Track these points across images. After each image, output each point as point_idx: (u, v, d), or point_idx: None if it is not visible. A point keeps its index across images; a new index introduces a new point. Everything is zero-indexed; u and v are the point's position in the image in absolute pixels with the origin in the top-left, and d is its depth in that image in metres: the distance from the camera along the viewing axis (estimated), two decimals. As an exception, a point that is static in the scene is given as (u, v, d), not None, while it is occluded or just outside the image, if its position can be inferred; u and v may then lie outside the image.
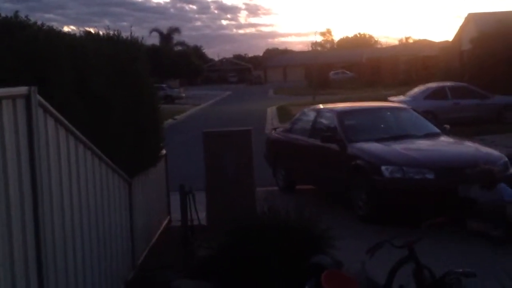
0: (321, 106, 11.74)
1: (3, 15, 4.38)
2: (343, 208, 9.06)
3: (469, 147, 9.27)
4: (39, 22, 4.57)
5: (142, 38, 7.31)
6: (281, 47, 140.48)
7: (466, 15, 33.87)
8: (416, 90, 21.35)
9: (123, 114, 5.69)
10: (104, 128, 5.14)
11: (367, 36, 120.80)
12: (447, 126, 10.09)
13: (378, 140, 9.13)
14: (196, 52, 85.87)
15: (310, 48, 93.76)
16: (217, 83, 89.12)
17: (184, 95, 49.82)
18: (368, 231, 7.73)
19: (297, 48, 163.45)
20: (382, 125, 10.18)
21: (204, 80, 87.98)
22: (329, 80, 59.14)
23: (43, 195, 3.40)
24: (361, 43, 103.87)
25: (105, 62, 5.56)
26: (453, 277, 4.08)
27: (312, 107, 12.21)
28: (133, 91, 6.17)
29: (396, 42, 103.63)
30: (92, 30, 6.36)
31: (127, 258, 6.07)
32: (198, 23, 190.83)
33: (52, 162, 3.69)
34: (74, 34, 5.81)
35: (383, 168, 8.19)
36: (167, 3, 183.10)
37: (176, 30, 76.66)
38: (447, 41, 42.55)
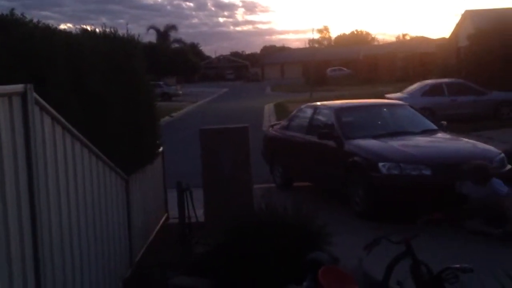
0: (318, 103, 11.75)
1: (-2, 12, 4.37)
2: (340, 204, 9.07)
3: (466, 144, 9.29)
4: (35, 20, 4.57)
5: (139, 35, 7.31)
6: (279, 44, 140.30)
7: (463, 12, 33.97)
8: (413, 86, 21.38)
9: (119, 111, 5.68)
10: (100, 125, 5.13)
11: (364, 33, 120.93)
12: (444, 123, 10.11)
13: (375, 136, 9.14)
14: (193, 50, 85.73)
15: (308, 45, 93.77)
16: (214, 81, 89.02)
17: (181, 92, 49.77)
18: (365, 227, 7.74)
19: (295, 45, 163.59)
20: (379, 122, 10.19)
21: (201, 77, 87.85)
22: (326, 77, 59.12)
23: (39, 193, 3.39)
24: (358, 40, 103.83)
25: (102, 60, 5.56)
26: (450, 272, 4.09)
27: (309, 104, 12.22)
28: (129, 89, 6.16)
29: (393, 39, 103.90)
30: (88, 28, 6.34)
31: (125, 255, 6.07)
32: (195, 21, 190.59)
33: (48, 160, 3.68)
34: (70, 32, 5.80)
35: (380, 164, 8.20)
36: (164, 0, 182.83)
37: (173, 27, 76.59)
38: (444, 38, 42.66)
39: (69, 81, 4.61)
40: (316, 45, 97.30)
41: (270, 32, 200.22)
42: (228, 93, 57.01)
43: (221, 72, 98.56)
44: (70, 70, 4.68)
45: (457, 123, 15.17)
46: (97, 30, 6.30)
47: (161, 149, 8.12)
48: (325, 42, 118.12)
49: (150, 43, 60.59)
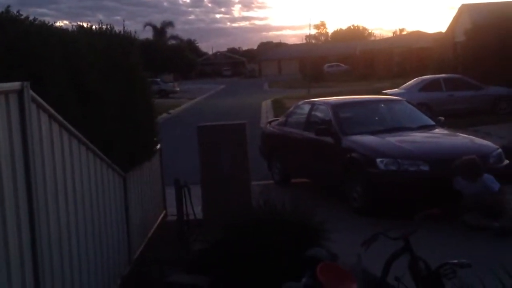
0: (315, 99, 11.74)
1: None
2: (338, 201, 9.07)
3: (464, 139, 9.29)
4: (31, 17, 4.54)
5: (135, 32, 7.29)
6: (275, 40, 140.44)
7: (459, 6, 33.89)
8: (411, 82, 21.38)
9: (116, 108, 5.67)
10: (98, 123, 5.12)
11: (361, 28, 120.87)
12: (442, 118, 10.11)
13: (372, 132, 9.14)
14: (190, 46, 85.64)
15: (304, 41, 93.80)
16: (211, 77, 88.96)
17: (178, 89, 49.75)
18: (363, 223, 7.75)
19: (291, 41, 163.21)
20: (376, 118, 10.20)
21: (198, 74, 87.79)
22: (323, 73, 59.14)
23: (37, 191, 3.38)
24: (355, 36, 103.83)
25: (98, 57, 5.54)
26: (448, 268, 4.09)
27: (307, 100, 12.21)
28: (127, 86, 6.15)
29: (390, 34, 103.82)
30: (85, 25, 6.32)
31: (123, 253, 6.07)
32: (192, 17, 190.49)
33: (46, 157, 3.67)
34: (67, 29, 5.78)
35: (378, 160, 8.20)
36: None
37: (169, 24, 76.36)
38: (440, 33, 42.62)
39: (66, 78, 4.60)
40: (313, 41, 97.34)
41: (267, 28, 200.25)
42: (225, 90, 56.98)
43: (218, 68, 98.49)
44: (67, 68, 4.66)
45: (454, 119, 15.18)
46: (94, 27, 6.28)
47: (158, 146, 8.11)
48: (322, 38, 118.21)
49: (147, 39, 60.47)
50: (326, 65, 66.70)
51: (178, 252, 6.60)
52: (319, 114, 10.34)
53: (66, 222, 4.07)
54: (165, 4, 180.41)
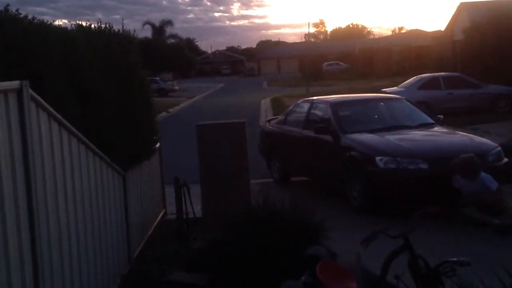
0: (314, 97, 11.74)
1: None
2: (338, 199, 9.07)
3: (463, 137, 9.29)
4: (30, 16, 4.54)
5: (134, 31, 7.29)
6: (274, 38, 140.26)
7: (458, 4, 33.87)
8: (410, 80, 21.38)
9: (116, 107, 5.67)
10: (97, 122, 5.12)
11: (360, 26, 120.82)
12: (441, 116, 10.11)
13: (372, 131, 9.14)
14: (189, 45, 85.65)
15: (303, 40, 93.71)
16: (210, 76, 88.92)
17: (177, 88, 49.71)
18: (362, 222, 7.75)
19: (290, 39, 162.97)
20: (375, 116, 10.19)
21: (197, 72, 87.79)
22: (322, 71, 59.12)
23: (37, 190, 3.38)
24: (354, 34, 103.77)
25: (97, 56, 5.54)
26: (447, 266, 4.09)
27: (306, 98, 12.21)
28: (126, 84, 6.14)
29: (389, 33, 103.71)
30: (84, 24, 6.31)
31: (123, 251, 6.07)
32: (191, 16, 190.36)
33: (45, 156, 3.67)
34: (66, 28, 5.77)
35: (377, 159, 8.20)
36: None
37: (168, 22, 76.41)
38: (439, 31, 42.60)
39: (65, 77, 4.60)
40: (312, 39, 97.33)
41: (266, 26, 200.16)
42: (225, 88, 56.95)
43: (217, 67, 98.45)
44: (66, 67, 4.66)
45: (453, 117, 15.17)
46: (93, 26, 6.28)
47: (158, 144, 8.11)
48: (321, 36, 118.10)
49: (146, 38, 60.45)
50: (325, 63, 66.70)
51: (178, 251, 6.60)
52: (318, 112, 10.34)
53: (66, 221, 4.07)
54: (164, 2, 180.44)
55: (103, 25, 6.34)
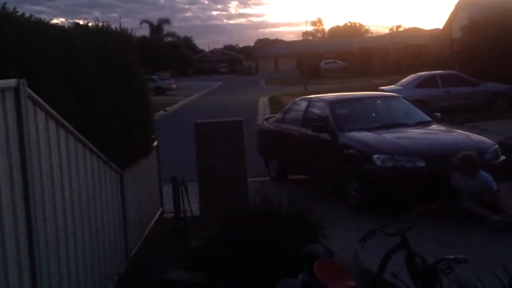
0: (312, 96, 11.74)
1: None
2: (336, 197, 9.07)
3: (460, 135, 9.30)
4: (27, 14, 4.53)
5: (132, 29, 7.28)
6: (272, 37, 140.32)
7: (456, 2, 33.87)
8: (407, 78, 21.40)
9: (113, 105, 5.66)
10: (94, 120, 5.11)
11: (357, 25, 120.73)
12: (438, 114, 10.12)
13: (369, 129, 9.14)
14: (187, 43, 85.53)
15: (301, 38, 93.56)
16: (208, 74, 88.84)
17: (175, 86, 49.66)
18: (360, 220, 7.75)
19: (288, 38, 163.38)
20: (373, 114, 10.19)
21: (195, 71, 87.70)
22: (320, 69, 59.13)
23: (34, 188, 3.38)
24: (351, 32, 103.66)
25: (95, 54, 5.53)
26: (445, 263, 4.09)
27: (304, 96, 12.21)
28: (123, 83, 6.14)
29: (387, 31, 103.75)
30: (81, 22, 6.31)
31: (120, 250, 6.07)
32: (189, 14, 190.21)
33: (42, 155, 3.67)
34: (63, 26, 5.77)
35: (375, 157, 8.20)
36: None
37: (166, 21, 76.18)
38: (437, 29, 42.63)
39: (62, 75, 4.59)
40: (310, 38, 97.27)
41: (264, 25, 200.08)
42: (222, 87, 56.91)
43: (214, 65, 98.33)
44: (63, 65, 4.65)
45: (451, 115, 15.19)
46: (90, 24, 6.27)
47: (155, 143, 8.11)
48: (319, 35, 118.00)
49: (143, 37, 60.38)
50: (323, 61, 66.68)
51: (176, 248, 6.60)
52: (316, 110, 10.35)
53: (63, 219, 4.07)
54: (161, 1, 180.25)
55: (100, 24, 6.33)
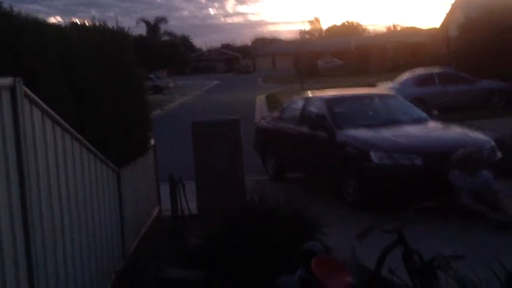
0: (309, 93, 11.75)
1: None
2: (333, 195, 9.08)
3: (457, 132, 9.32)
4: (24, 13, 4.53)
5: (129, 28, 7.27)
6: (270, 36, 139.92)
7: (453, 1, 33.92)
8: (404, 77, 21.42)
9: (110, 104, 5.66)
10: (93, 119, 5.11)
11: (355, 24, 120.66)
12: (435, 111, 10.13)
13: (366, 126, 9.15)
14: (184, 42, 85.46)
15: (299, 37, 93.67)
16: (205, 73, 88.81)
17: (172, 85, 49.62)
18: (358, 217, 7.76)
19: (286, 36, 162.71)
20: (370, 112, 10.20)
21: (192, 70, 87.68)
22: (317, 68, 59.14)
23: (30, 187, 3.38)
24: (349, 31, 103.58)
25: (92, 53, 5.53)
26: (442, 260, 4.11)
27: (301, 95, 12.21)
28: (120, 82, 6.13)
29: (384, 30, 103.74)
30: (78, 21, 6.30)
31: (117, 248, 6.07)
32: (185, 13, 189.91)
33: (39, 153, 3.66)
34: (60, 25, 5.76)
35: (372, 154, 8.21)
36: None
37: (163, 19, 76.31)
38: (434, 28, 42.67)
39: (60, 75, 4.59)
40: (307, 37, 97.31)
41: (261, 23, 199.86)
42: (220, 86, 56.88)
43: (212, 64, 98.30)
44: (61, 64, 4.65)
45: (448, 112, 15.20)
46: (87, 23, 6.27)
47: (152, 142, 8.11)
48: (316, 34, 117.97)
49: (140, 36, 60.33)
50: (321, 60, 66.68)
51: (174, 247, 6.60)
52: (313, 108, 10.34)
53: (60, 218, 4.07)
54: (158, 0, 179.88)
55: (97, 23, 6.33)
